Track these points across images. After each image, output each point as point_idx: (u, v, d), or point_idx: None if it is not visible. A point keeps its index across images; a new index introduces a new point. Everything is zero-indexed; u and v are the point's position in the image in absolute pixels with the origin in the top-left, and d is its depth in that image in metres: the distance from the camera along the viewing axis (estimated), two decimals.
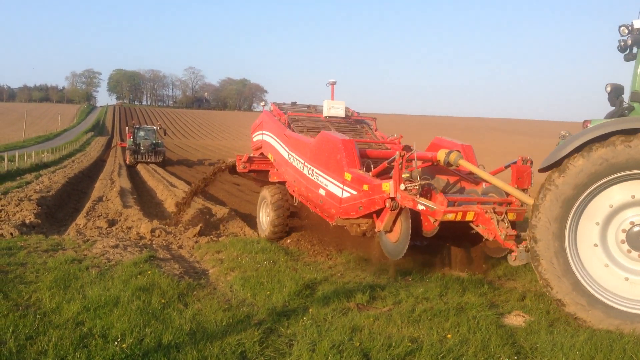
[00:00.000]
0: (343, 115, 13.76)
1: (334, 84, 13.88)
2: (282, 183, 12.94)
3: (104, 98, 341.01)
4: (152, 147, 48.95)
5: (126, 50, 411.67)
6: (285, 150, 12.31)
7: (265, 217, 13.46)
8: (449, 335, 6.38)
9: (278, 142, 12.82)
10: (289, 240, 13.44)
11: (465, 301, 7.87)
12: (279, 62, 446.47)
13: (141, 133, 50.95)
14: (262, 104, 15.38)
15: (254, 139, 14.92)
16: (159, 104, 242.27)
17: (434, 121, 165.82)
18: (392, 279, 9.79)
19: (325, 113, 13.59)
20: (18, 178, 28.90)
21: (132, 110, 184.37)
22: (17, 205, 16.42)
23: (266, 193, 13.17)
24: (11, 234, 12.41)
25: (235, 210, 18.05)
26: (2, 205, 16.44)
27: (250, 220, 16.50)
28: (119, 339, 5.92)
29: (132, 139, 49.99)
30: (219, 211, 17.01)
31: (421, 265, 10.87)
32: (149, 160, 48.08)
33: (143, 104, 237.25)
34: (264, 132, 13.94)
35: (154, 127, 54.50)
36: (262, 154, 14.30)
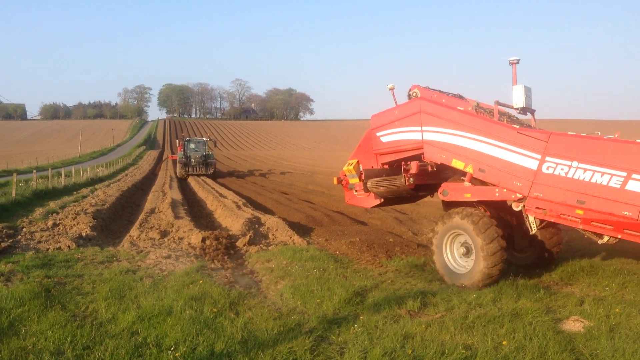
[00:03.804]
0: (532, 106, 10.73)
1: (516, 62, 10.27)
2: (469, 202, 10.17)
3: (155, 112, 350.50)
4: (203, 159, 49.07)
5: (175, 65, 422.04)
6: (529, 156, 8.93)
7: (458, 257, 10.11)
8: (504, 342, 6.21)
9: (496, 145, 9.41)
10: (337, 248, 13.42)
11: (520, 307, 7.66)
12: (324, 69, 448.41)
13: (192, 145, 51.18)
14: (390, 86, 11.38)
15: (384, 140, 11.37)
16: (208, 116, 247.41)
17: None
18: (444, 285, 9.63)
19: (521, 103, 10.25)
20: (75, 192, 29.89)
21: (181, 123, 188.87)
22: (74, 219, 16.94)
23: (464, 222, 9.63)
24: (69, 246, 12.78)
25: (284, 218, 18.11)
26: (59, 219, 16.99)
27: (299, 229, 16.54)
28: (172, 348, 6.01)
29: (182, 152, 50.18)
30: (268, 220, 17.11)
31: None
32: (200, 172, 48.22)
33: (192, 116, 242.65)
34: (430, 128, 10.40)
35: (204, 139, 54.64)
36: (403, 159, 11.06)
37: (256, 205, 23.99)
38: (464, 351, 5.93)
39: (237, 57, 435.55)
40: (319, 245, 13.84)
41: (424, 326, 6.77)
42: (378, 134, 11.48)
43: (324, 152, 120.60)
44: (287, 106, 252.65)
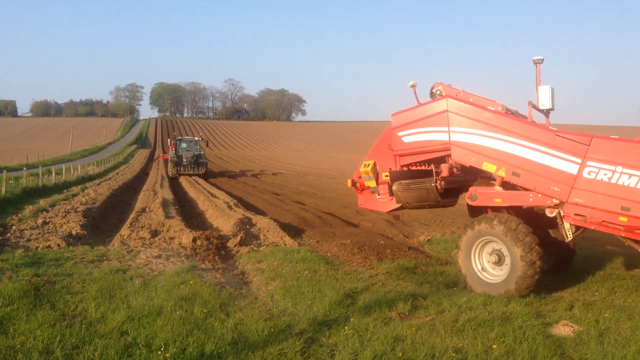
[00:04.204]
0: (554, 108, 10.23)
1: (540, 62, 9.90)
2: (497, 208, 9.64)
3: (147, 111, 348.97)
4: (195, 158, 48.85)
5: (168, 63, 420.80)
6: (568, 159, 8.53)
7: (488, 266, 9.48)
8: (494, 346, 6.23)
9: (532, 147, 8.92)
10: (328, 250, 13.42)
11: (510, 310, 7.69)
12: (316, 71, 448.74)
13: (183, 144, 50.79)
14: (411, 83, 10.81)
15: (406, 140, 10.58)
16: (200, 115, 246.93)
17: None
18: (435, 288, 9.65)
19: (548, 104, 9.86)
20: (65, 191, 29.71)
21: (173, 122, 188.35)
22: (64, 217, 16.85)
23: (509, 240, 8.92)
24: (58, 245, 12.71)
25: (276, 219, 18.10)
26: (50, 217, 16.90)
27: (290, 230, 16.53)
28: (162, 349, 5.99)
29: (174, 151, 49.86)
30: (259, 221, 17.09)
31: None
32: (191, 172, 47.99)
33: (184, 116, 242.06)
34: (459, 129, 9.79)
35: (196, 139, 54.29)
36: (426, 161, 10.61)
37: (247, 206, 23.96)
38: (454, 354, 5.95)
39: (230, 56, 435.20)
40: (310, 247, 13.84)
41: (414, 329, 6.78)
42: (399, 133, 10.70)
43: (316, 153, 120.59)
44: (279, 107, 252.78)
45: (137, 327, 6.75)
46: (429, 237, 15.74)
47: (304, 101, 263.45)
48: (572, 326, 7.05)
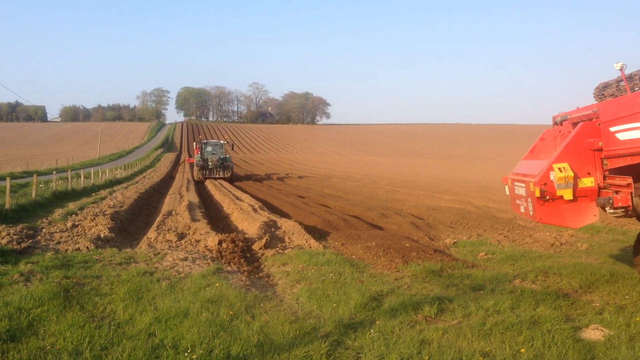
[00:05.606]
0: None
1: None
2: None
3: (173, 115, 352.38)
4: (220, 162, 49.17)
5: (193, 68, 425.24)
6: None
7: None
8: (522, 350, 6.15)
9: None
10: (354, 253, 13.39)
11: (538, 314, 7.58)
12: (340, 74, 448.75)
13: (209, 148, 51.05)
14: (619, 65, 8.41)
15: (623, 137, 8.12)
16: (225, 119, 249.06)
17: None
18: (461, 291, 9.56)
19: None
20: (93, 194, 30.20)
21: (199, 126, 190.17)
22: (92, 220, 17.09)
23: None
24: (87, 247, 12.90)
25: (301, 222, 18.10)
26: (78, 220, 17.16)
27: (315, 233, 16.53)
28: (189, 350, 6.03)
29: (199, 155, 50.26)
30: (284, 224, 17.12)
31: (491, 277, 10.60)
32: (217, 176, 48.38)
33: (209, 119, 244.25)
34: None
35: (221, 142, 54.57)
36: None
37: (272, 209, 24.04)
38: (481, 358, 5.89)
39: (255, 60, 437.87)
40: (335, 250, 13.82)
41: (440, 332, 6.73)
42: (613, 129, 8.32)
43: (341, 156, 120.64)
44: (303, 110, 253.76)
45: (164, 329, 6.82)
46: (455, 240, 15.61)
47: (329, 104, 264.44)
48: (602, 330, 6.92)
